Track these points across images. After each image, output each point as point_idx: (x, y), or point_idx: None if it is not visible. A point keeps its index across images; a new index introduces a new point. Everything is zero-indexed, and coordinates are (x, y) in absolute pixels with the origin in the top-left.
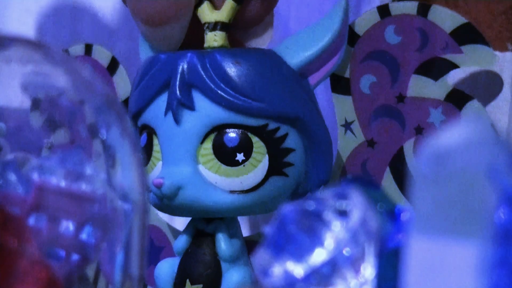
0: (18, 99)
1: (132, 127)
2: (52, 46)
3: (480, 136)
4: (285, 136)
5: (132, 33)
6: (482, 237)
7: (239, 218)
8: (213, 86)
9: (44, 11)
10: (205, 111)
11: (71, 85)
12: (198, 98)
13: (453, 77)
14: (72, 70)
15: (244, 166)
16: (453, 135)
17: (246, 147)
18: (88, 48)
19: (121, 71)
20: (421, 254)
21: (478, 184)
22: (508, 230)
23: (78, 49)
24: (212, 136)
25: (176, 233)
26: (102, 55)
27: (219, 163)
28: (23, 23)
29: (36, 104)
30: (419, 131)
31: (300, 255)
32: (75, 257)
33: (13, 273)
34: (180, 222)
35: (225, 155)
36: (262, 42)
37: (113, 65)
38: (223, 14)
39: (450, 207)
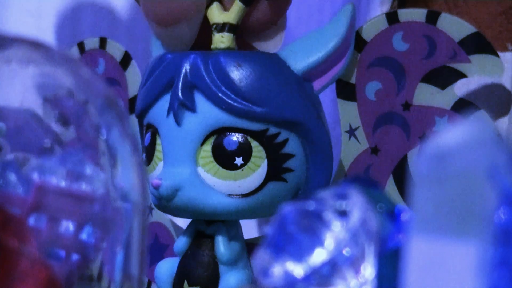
0: (18, 99)
1: (132, 127)
2: (52, 46)
3: (480, 136)
4: (285, 141)
5: (132, 33)
6: (482, 237)
7: (242, 221)
8: (214, 89)
9: (44, 11)
10: (206, 113)
11: (74, 84)
12: (200, 100)
13: (460, 87)
14: (73, 70)
15: (242, 170)
16: (453, 135)
17: (245, 151)
18: (103, 42)
19: (133, 66)
20: (421, 254)
21: (478, 184)
22: (508, 230)
23: (93, 43)
24: (212, 139)
25: (180, 231)
26: (115, 50)
27: (218, 166)
28: (23, 23)
29: (46, 103)
30: (424, 140)
31: (300, 255)
32: (75, 257)
33: (13, 273)
34: (184, 220)
35: (224, 158)
36: (273, 46)
37: (125, 60)
38: (231, 16)
39: (450, 207)
